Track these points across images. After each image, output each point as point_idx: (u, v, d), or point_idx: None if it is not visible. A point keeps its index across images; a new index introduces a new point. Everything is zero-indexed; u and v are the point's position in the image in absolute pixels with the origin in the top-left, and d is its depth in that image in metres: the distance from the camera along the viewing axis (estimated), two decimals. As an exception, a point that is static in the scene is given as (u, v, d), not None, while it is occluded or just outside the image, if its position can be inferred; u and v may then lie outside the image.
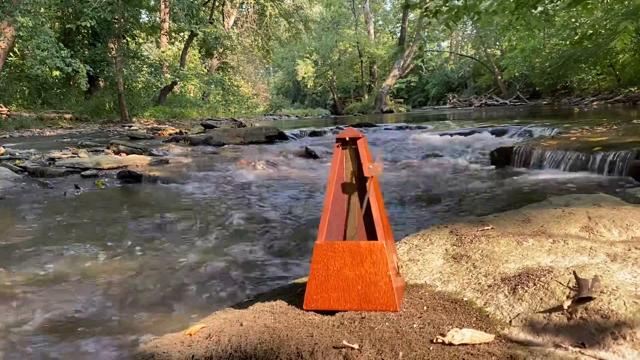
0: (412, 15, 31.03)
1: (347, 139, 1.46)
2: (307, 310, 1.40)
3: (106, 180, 5.84)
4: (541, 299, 1.30)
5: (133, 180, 5.80)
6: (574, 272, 1.35)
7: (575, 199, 2.46)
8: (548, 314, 1.23)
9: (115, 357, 1.81)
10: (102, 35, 20.34)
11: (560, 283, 1.33)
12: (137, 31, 23.57)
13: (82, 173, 6.07)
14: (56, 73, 15.87)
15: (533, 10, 6.36)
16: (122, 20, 19.27)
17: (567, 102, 25.52)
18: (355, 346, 1.16)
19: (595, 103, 21.75)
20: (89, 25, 17.15)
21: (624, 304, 1.18)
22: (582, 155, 5.14)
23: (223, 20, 26.71)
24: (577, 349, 1.09)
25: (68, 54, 15.57)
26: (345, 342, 1.17)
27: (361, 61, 38.22)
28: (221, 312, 1.53)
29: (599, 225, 1.84)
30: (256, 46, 31.37)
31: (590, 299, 1.22)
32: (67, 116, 17.80)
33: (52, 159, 6.89)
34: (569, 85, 28.42)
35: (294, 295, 1.54)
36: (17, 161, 6.69)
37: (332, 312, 1.37)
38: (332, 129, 12.20)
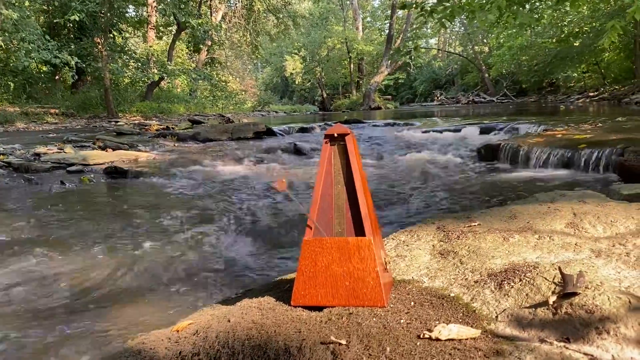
0: (400, 12, 31.04)
1: (336, 135, 1.46)
2: (295, 306, 1.40)
3: (92, 176, 5.79)
4: (527, 294, 1.31)
5: (119, 176, 5.76)
6: (559, 268, 1.36)
7: (560, 196, 2.48)
8: (534, 309, 1.25)
9: (102, 354, 1.80)
10: (88, 29, 20.10)
11: (545, 279, 1.35)
12: (124, 25, 23.32)
13: (68, 169, 6.01)
14: (43, 68, 15.64)
15: (522, 9, 6.41)
16: (108, 14, 19.05)
17: (553, 99, 25.72)
18: (343, 342, 1.16)
19: (580, 101, 21.95)
20: (77, 19, 16.94)
21: (608, 299, 1.19)
22: (567, 153, 5.19)
23: (211, 15, 26.48)
24: (562, 344, 1.10)
25: (55, 46, 15.37)
26: (333, 338, 1.17)
27: (350, 57, 38.19)
28: (208, 308, 1.53)
29: (584, 221, 1.86)
30: (244, 41, 31.20)
31: (575, 294, 1.23)
32: (53, 111, 17.58)
33: (38, 155, 6.81)
34: (555, 83, 28.66)
35: (282, 291, 1.54)
36: (2, 156, 6.61)
37: (320, 308, 1.37)
38: (320, 126, 12.19)
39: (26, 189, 5.18)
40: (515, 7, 6.10)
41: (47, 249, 3.09)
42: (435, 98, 35.98)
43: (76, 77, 17.46)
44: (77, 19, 16.91)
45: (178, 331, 1.33)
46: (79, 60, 16.82)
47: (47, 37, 15.57)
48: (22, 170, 5.88)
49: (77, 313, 2.20)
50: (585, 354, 1.06)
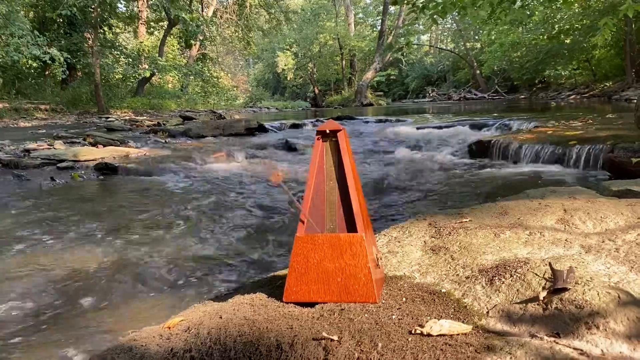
0: (392, 9, 31.04)
1: (328, 131, 1.46)
2: (287, 303, 1.40)
3: (82, 172, 5.75)
4: (518, 290, 1.32)
5: (110, 172, 5.72)
6: (550, 264, 1.37)
7: (551, 192, 2.49)
8: (524, 304, 1.25)
9: (93, 351, 1.79)
10: (79, 24, 19.94)
11: (536, 274, 1.35)
12: (115, 21, 23.17)
13: (58, 165, 5.97)
14: (33, 64, 15.50)
15: (513, 5, 6.45)
16: (98, 9, 18.91)
17: (544, 96, 25.87)
18: (335, 338, 1.16)
19: (571, 97, 22.09)
20: (68, 13, 16.81)
21: (598, 294, 1.20)
22: (558, 149, 5.22)
23: (202, 11, 26.36)
24: (552, 339, 1.11)
25: (44, 41, 15.24)
26: (324, 334, 1.17)
27: (342, 54, 38.15)
28: (200, 304, 1.52)
29: (574, 217, 1.87)
30: (236, 37, 31.06)
31: (565, 289, 1.24)
32: (43, 107, 17.44)
33: (27, 151, 6.76)
34: (546, 79, 28.79)
35: (274, 287, 1.54)
36: (-9, 152, 6.54)
37: (311, 304, 1.37)
38: (312, 122, 12.18)
39: (15, 185, 5.14)
40: (506, 4, 6.13)
41: (36, 246, 3.07)
42: (427, 95, 36.04)
43: (67, 72, 17.35)
44: (69, 13, 16.78)
45: (169, 328, 1.32)
46: (69, 56, 16.69)
47: (37, 32, 15.44)
48: (11, 167, 5.83)
49: (66, 311, 2.19)
50: (575, 348, 1.07)
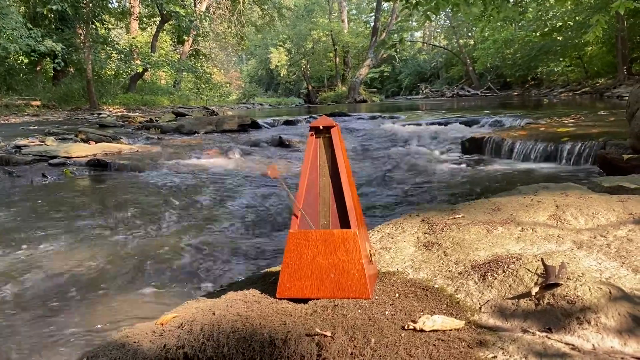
0: (385, 5, 31.01)
1: (321, 127, 1.46)
2: (280, 299, 1.40)
3: (74, 168, 5.72)
4: (510, 285, 1.33)
5: (102, 169, 5.70)
6: (542, 259, 1.38)
7: (543, 188, 2.50)
8: (516, 300, 1.26)
9: (86, 347, 1.78)
10: (70, 20, 19.79)
11: (528, 270, 1.36)
12: (107, 16, 23.01)
13: (50, 161, 5.94)
14: (25, 60, 15.37)
15: (506, 2, 6.47)
16: (90, 4, 18.77)
17: (536, 93, 25.96)
18: (328, 334, 1.16)
19: (563, 94, 22.17)
20: (59, 8, 16.69)
21: (589, 289, 1.21)
22: (550, 146, 5.24)
23: (195, 7, 26.24)
24: (544, 334, 1.11)
25: (38, 34, 15.15)
26: (318, 330, 1.17)
27: (335, 50, 38.11)
28: (193, 301, 1.52)
29: (567, 213, 1.88)
30: (229, 33, 30.93)
31: (557, 285, 1.25)
32: (34, 103, 17.31)
33: (18, 147, 6.71)
34: (538, 76, 28.90)
35: (267, 283, 1.54)
36: (-19, 149, 6.50)
37: (305, 300, 1.37)
38: (306, 118, 12.17)
39: (6, 182, 5.10)
40: (498, 1, 6.15)
41: (27, 243, 3.05)
42: (420, 91, 36.09)
43: (63, 64, 17.25)
44: (60, 8, 16.67)
45: (162, 324, 1.32)
46: (64, 47, 16.59)
47: (29, 25, 15.34)
48: (2, 163, 5.79)
49: (58, 307, 2.18)
50: (566, 343, 1.08)
